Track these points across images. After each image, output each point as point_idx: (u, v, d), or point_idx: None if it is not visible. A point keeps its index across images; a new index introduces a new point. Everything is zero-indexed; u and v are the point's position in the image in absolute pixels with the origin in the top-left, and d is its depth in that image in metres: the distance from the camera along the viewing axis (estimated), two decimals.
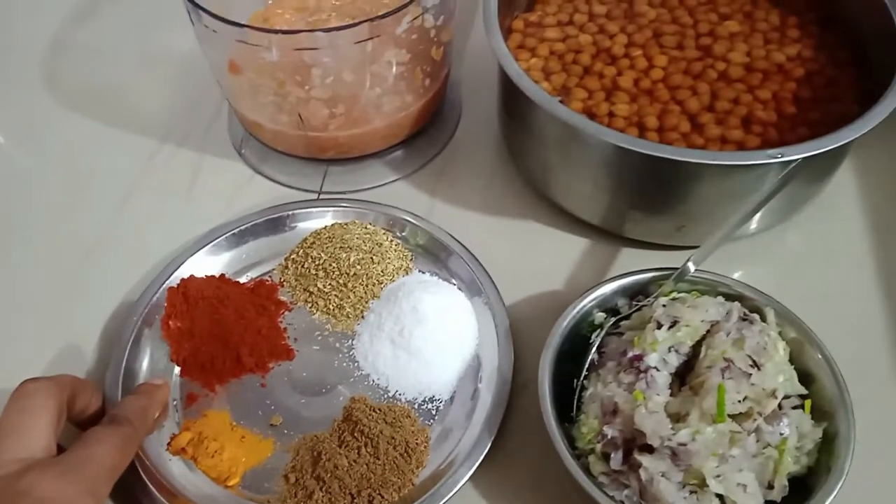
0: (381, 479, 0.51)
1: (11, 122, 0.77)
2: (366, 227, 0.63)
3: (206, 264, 0.61)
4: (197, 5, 0.56)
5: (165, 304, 0.58)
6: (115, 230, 0.67)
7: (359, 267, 0.60)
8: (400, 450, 0.52)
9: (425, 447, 0.53)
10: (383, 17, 0.55)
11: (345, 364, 0.57)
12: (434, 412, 0.55)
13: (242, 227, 0.63)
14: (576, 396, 0.51)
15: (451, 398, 0.56)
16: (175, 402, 0.56)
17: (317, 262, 0.60)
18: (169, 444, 0.53)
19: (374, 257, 0.61)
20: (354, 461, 0.51)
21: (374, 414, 0.53)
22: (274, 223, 0.64)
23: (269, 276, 0.62)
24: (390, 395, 0.56)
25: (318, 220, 0.64)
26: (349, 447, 0.52)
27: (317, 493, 0.50)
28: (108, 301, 0.62)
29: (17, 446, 0.44)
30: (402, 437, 0.52)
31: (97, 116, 0.76)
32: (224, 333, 0.57)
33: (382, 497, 0.50)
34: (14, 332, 0.61)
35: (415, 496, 0.50)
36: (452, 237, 0.62)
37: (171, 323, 0.57)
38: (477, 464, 0.51)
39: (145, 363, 0.57)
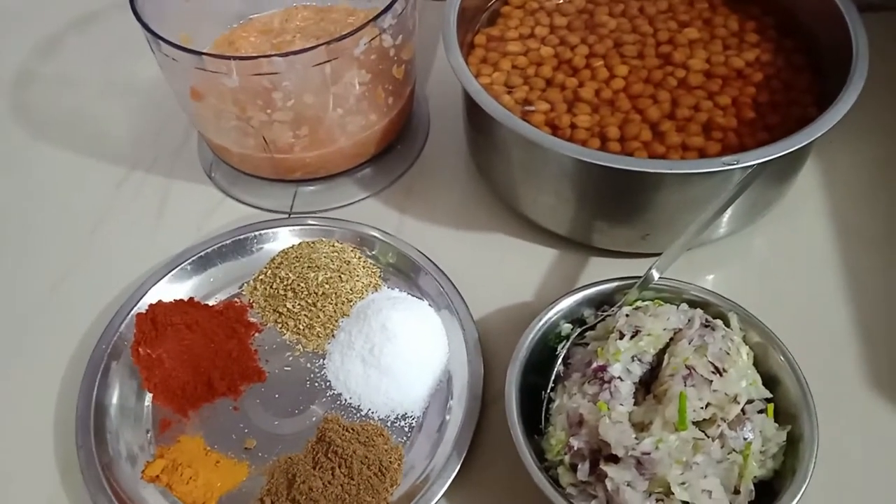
0: (356, 500, 0.51)
1: None
2: (333, 245, 0.63)
3: (174, 289, 0.62)
4: (156, 35, 0.56)
5: (135, 331, 0.58)
6: (84, 259, 0.67)
7: (327, 286, 0.60)
8: (374, 469, 0.52)
9: (399, 465, 0.53)
10: (340, 39, 0.56)
11: (317, 384, 0.57)
12: (407, 429, 0.55)
13: (209, 250, 0.63)
14: (544, 408, 0.52)
15: (424, 414, 0.56)
16: (148, 430, 0.56)
17: (285, 283, 0.60)
18: (143, 471, 0.53)
19: (342, 275, 0.61)
20: (329, 482, 0.51)
21: (347, 434, 0.54)
22: (241, 244, 0.64)
23: (238, 298, 0.62)
24: (363, 413, 0.56)
25: (286, 240, 0.65)
26: (323, 468, 0.52)
27: None
28: (75, 332, 0.62)
29: None
30: (375, 457, 0.52)
31: (65, 146, 0.76)
32: (195, 358, 0.57)
33: None
34: None
35: None
36: (421, 253, 0.63)
37: (140, 350, 0.57)
38: (450, 480, 0.51)
39: (115, 393, 0.57)
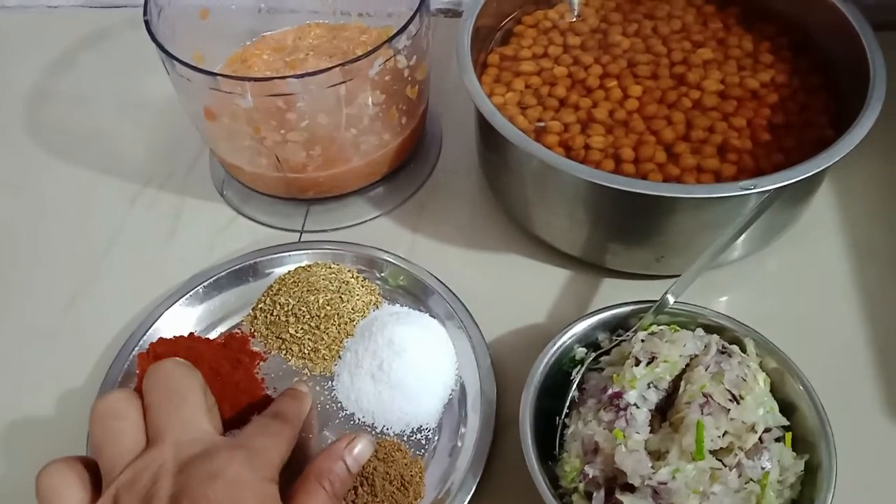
0: None
1: None
2: (329, 267, 0.63)
3: (187, 313, 0.61)
4: (170, 55, 0.56)
5: (137, 372, 0.57)
6: (98, 277, 0.67)
7: (329, 307, 0.60)
8: (396, 484, 0.52)
9: (420, 478, 0.53)
10: (355, 60, 0.56)
11: (328, 406, 0.57)
12: (424, 442, 0.55)
13: (221, 275, 0.63)
14: (558, 434, 0.51)
15: (439, 426, 0.56)
16: None
17: (285, 309, 0.60)
18: None
19: (342, 296, 0.60)
20: (353, 502, 0.51)
21: None
22: (253, 268, 0.64)
23: (239, 329, 0.62)
24: (377, 430, 0.56)
25: (298, 264, 0.64)
26: None
27: None
28: (86, 358, 0.61)
29: (190, 426, 0.45)
30: (396, 472, 0.52)
31: (78, 163, 0.76)
32: None
33: None
34: None
35: None
36: (432, 275, 0.62)
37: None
38: (467, 499, 0.51)
39: None
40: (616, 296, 0.57)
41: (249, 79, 0.56)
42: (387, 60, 0.58)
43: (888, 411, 0.55)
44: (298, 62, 0.71)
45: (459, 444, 0.54)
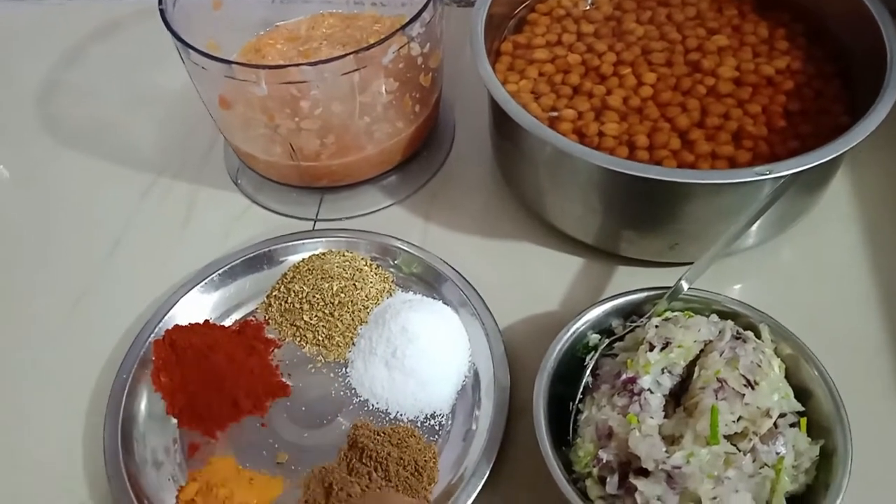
0: (397, 501, 0.51)
1: (6, 163, 0.78)
2: (343, 255, 0.63)
3: (203, 300, 0.62)
4: (186, 43, 0.57)
5: (153, 359, 0.58)
6: (112, 268, 0.67)
7: (343, 295, 0.60)
8: (410, 469, 0.52)
9: (434, 463, 0.53)
10: (369, 48, 0.56)
11: (342, 392, 0.57)
12: (437, 427, 0.55)
13: (236, 263, 0.63)
14: (572, 420, 0.51)
15: (453, 412, 0.56)
16: (177, 454, 0.55)
17: (300, 296, 0.60)
18: (177, 496, 0.53)
19: (356, 283, 0.61)
20: (367, 486, 0.51)
21: (378, 437, 0.54)
22: (268, 256, 0.64)
23: (254, 316, 0.62)
24: (391, 417, 0.56)
25: (311, 252, 0.64)
26: (359, 474, 0.52)
27: None
28: (103, 347, 0.62)
29: None
30: (410, 457, 0.52)
31: (91, 154, 0.77)
32: (217, 379, 0.57)
33: None
34: (2, 386, 0.61)
35: None
36: (445, 262, 0.62)
37: (161, 377, 0.57)
38: (478, 490, 0.51)
39: (142, 414, 0.57)
40: (630, 283, 0.57)
41: (264, 66, 0.56)
42: (400, 48, 0.58)
43: None
44: (312, 51, 0.71)
45: (473, 429, 0.55)
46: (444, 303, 0.61)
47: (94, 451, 0.55)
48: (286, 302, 0.61)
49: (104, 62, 0.86)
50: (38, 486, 0.56)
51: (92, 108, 0.81)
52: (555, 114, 0.61)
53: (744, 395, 0.47)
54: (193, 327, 0.60)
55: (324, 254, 0.64)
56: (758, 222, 0.57)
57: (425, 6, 0.59)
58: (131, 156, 0.76)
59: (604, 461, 0.47)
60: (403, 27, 0.57)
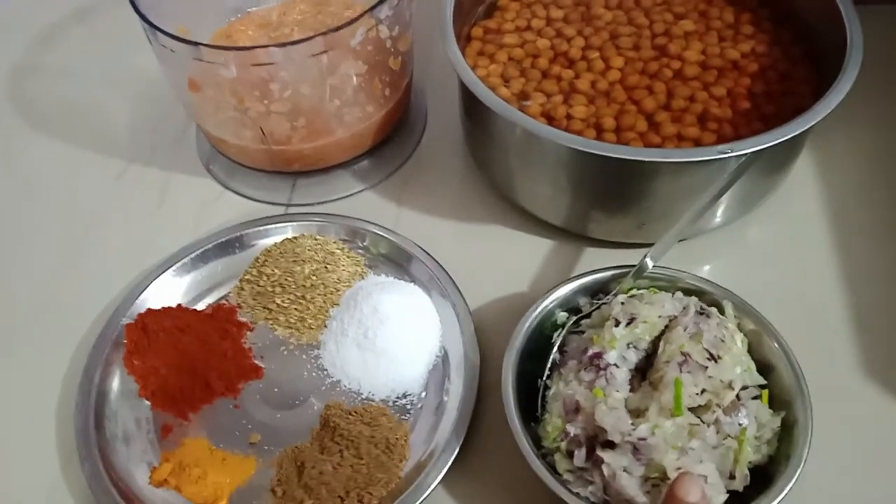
0: (368, 478, 0.51)
1: None
2: (315, 239, 0.64)
3: (175, 283, 0.62)
4: (153, 25, 0.57)
5: (125, 342, 0.58)
6: (84, 252, 0.67)
7: (314, 278, 0.60)
8: (381, 447, 0.53)
9: (405, 441, 0.54)
10: (336, 29, 0.56)
11: (314, 374, 0.58)
12: (409, 406, 0.56)
13: (208, 247, 0.63)
14: (540, 396, 0.52)
15: (424, 391, 0.56)
16: (150, 435, 0.55)
17: (272, 279, 0.61)
18: (150, 477, 0.53)
19: (327, 266, 0.61)
20: (339, 465, 0.52)
21: (350, 417, 0.54)
22: (239, 241, 0.64)
23: (226, 300, 0.62)
24: (363, 397, 0.56)
25: (283, 236, 0.65)
26: (331, 452, 0.52)
27: (306, 501, 0.51)
28: (76, 330, 0.62)
29: None
30: (381, 435, 0.53)
31: (64, 137, 0.76)
32: (190, 361, 0.57)
33: (371, 494, 0.51)
34: None
35: (403, 488, 0.51)
36: (417, 245, 0.63)
37: (134, 360, 0.57)
38: (447, 466, 0.52)
39: (115, 393, 0.57)
40: (598, 264, 0.57)
41: (232, 48, 0.57)
42: (369, 30, 0.59)
43: (863, 371, 0.56)
44: (283, 38, 0.71)
45: (444, 406, 0.55)
46: (416, 285, 0.61)
47: (66, 430, 0.56)
48: (258, 285, 0.61)
49: (77, 46, 0.86)
50: (11, 466, 0.56)
51: (65, 92, 0.81)
52: (527, 103, 0.62)
53: (707, 367, 0.48)
54: (166, 311, 0.60)
55: (296, 237, 0.64)
56: (723, 201, 0.58)
57: None
58: (104, 140, 0.75)
59: (571, 435, 0.48)
60: (372, 9, 0.57)
